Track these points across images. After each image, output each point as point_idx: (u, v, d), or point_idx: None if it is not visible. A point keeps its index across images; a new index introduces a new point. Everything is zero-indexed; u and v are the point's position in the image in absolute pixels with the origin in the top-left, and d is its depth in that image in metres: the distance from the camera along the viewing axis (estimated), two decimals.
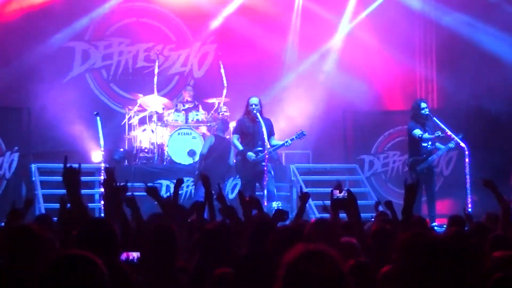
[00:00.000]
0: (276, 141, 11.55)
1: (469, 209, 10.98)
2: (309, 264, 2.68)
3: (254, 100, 11.42)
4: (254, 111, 11.31)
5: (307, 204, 7.78)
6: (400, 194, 13.72)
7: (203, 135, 13.12)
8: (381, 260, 4.95)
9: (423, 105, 11.86)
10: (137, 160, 13.25)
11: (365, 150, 14.37)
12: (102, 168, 11.31)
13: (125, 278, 3.83)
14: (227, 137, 12.45)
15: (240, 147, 11.44)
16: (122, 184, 5.29)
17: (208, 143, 12.18)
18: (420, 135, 11.65)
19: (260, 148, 11.30)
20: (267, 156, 11.23)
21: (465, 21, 14.21)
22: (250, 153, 11.29)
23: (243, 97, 12.49)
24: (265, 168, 11.16)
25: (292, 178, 13.24)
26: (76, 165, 4.60)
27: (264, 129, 11.18)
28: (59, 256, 2.89)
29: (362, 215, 6.12)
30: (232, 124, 12.90)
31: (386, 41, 14.67)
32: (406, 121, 12.34)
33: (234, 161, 12.05)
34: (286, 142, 11.53)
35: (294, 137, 11.59)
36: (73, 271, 2.83)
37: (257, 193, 11.06)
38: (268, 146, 11.25)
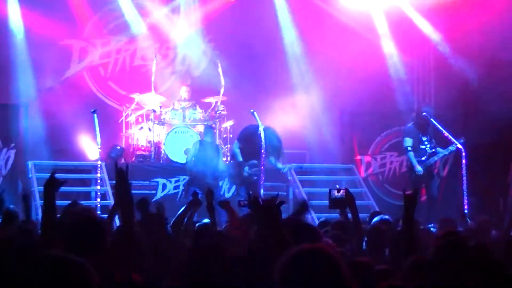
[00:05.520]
0: (276, 161, 11.62)
1: (465, 211, 10.99)
2: (308, 263, 2.68)
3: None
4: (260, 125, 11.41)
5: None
6: (397, 194, 13.84)
7: (200, 134, 13.10)
8: (376, 258, 4.96)
9: (424, 109, 11.96)
10: (133, 158, 13.25)
11: (363, 150, 14.35)
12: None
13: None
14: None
15: (239, 159, 11.52)
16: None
17: (192, 151, 12.03)
18: (407, 147, 11.75)
19: (256, 162, 11.36)
20: (262, 168, 11.31)
21: None
22: (246, 168, 11.39)
23: (240, 96, 12.49)
24: (260, 182, 11.27)
25: (289, 178, 13.21)
26: (63, 176, 4.66)
27: (263, 143, 11.25)
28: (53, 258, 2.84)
29: (360, 215, 6.13)
30: (227, 124, 12.96)
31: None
32: (403, 122, 12.34)
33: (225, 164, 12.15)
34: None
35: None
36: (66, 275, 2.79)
37: None
38: (265, 156, 11.36)
